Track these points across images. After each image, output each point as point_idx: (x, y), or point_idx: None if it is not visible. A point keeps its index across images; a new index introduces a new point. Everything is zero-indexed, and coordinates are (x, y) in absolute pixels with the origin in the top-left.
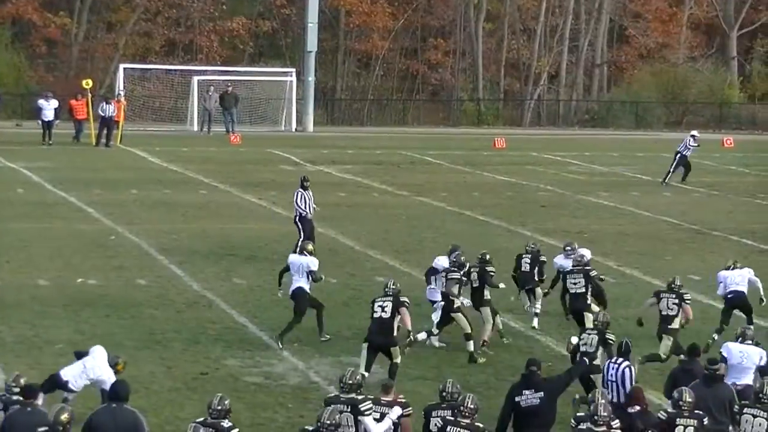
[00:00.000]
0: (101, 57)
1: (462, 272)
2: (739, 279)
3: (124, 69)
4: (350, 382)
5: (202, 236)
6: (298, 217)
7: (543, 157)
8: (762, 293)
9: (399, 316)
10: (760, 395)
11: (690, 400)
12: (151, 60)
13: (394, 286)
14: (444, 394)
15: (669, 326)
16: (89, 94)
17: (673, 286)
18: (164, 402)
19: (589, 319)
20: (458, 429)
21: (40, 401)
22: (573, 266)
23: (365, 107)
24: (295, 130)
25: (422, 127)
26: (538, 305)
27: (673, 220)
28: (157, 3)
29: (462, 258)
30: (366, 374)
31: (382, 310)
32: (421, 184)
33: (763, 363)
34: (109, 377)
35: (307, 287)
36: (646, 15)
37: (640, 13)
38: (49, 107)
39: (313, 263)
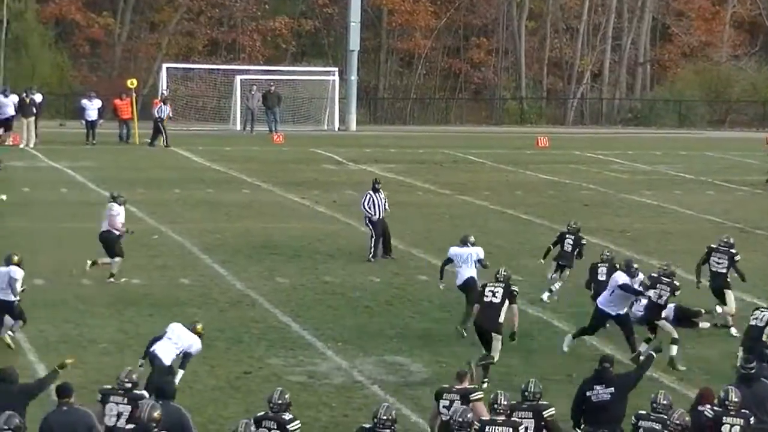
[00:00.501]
0: (144, 57)
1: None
2: None
3: (167, 69)
4: (384, 417)
5: (245, 235)
6: (368, 220)
7: (586, 155)
8: None
9: (508, 303)
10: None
11: (736, 399)
12: (194, 59)
13: (505, 272)
14: (526, 393)
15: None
16: (134, 94)
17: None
18: (207, 401)
19: (730, 297)
20: (496, 427)
21: (72, 399)
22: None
23: (408, 106)
24: (338, 129)
25: (465, 126)
26: (559, 284)
27: (716, 219)
28: (200, 2)
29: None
30: (493, 359)
31: (493, 295)
32: (463, 182)
33: None
34: (195, 340)
35: (476, 276)
36: (689, 13)
37: (683, 12)
38: (92, 107)
39: (480, 252)
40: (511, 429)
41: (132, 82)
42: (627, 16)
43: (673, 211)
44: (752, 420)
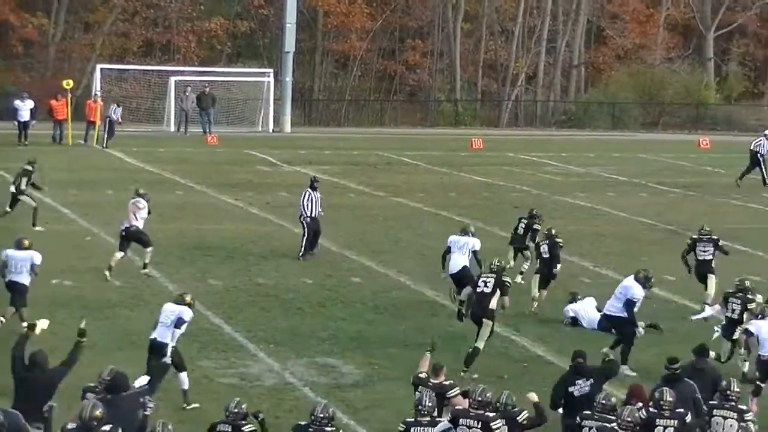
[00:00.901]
0: (78, 57)
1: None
2: None
3: (101, 69)
4: (321, 415)
5: (178, 237)
6: (302, 217)
7: (520, 157)
8: None
9: (499, 293)
10: (728, 392)
11: (671, 399)
12: (129, 60)
13: (498, 263)
14: (497, 405)
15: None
16: (69, 95)
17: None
18: None
19: (713, 282)
20: (420, 428)
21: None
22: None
23: (343, 108)
24: (273, 130)
25: (399, 128)
26: (526, 265)
27: (649, 221)
28: (135, 3)
29: None
30: (479, 349)
31: (485, 285)
32: (398, 184)
33: None
34: (183, 309)
35: (468, 264)
36: (624, 16)
37: (617, 14)
38: (24, 108)
39: (477, 243)
40: (432, 429)
41: (68, 83)
42: (562, 19)
43: (607, 213)
44: (688, 418)
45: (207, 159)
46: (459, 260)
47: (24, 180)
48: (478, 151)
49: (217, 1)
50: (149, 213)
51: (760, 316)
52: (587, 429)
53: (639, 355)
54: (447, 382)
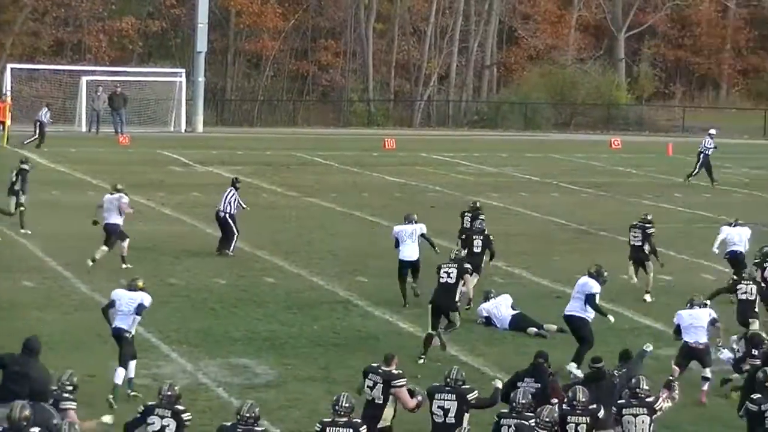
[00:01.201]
0: None
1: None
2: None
3: (11, 69)
4: (247, 415)
5: (89, 238)
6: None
7: (432, 157)
8: None
9: (463, 282)
10: (636, 390)
11: (583, 399)
12: (39, 60)
13: (457, 252)
14: (448, 380)
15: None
16: None
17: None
18: None
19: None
20: (336, 428)
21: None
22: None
23: (255, 108)
24: (185, 130)
25: (312, 128)
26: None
27: (560, 221)
28: (45, 2)
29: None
30: (432, 333)
31: (448, 276)
32: (310, 185)
33: (714, 316)
34: (142, 296)
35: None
36: (535, 17)
37: (529, 15)
38: None
39: (423, 227)
40: (351, 430)
41: None
42: (474, 19)
43: (519, 213)
44: (601, 413)
45: (119, 159)
46: (412, 249)
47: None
48: (391, 151)
49: (128, 0)
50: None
51: (689, 305)
52: (506, 428)
53: (556, 355)
54: (395, 371)
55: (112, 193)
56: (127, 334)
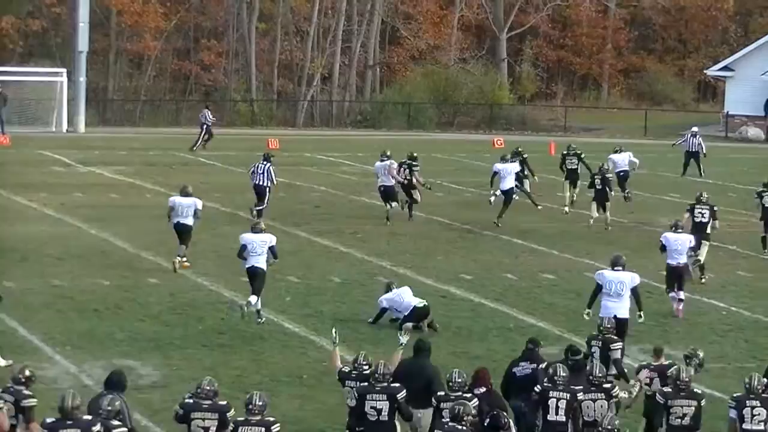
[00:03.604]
0: None
1: None
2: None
3: None
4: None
5: None
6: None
7: (317, 157)
8: None
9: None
10: (590, 377)
11: (564, 374)
12: None
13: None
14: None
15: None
16: None
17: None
18: None
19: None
20: (249, 427)
21: None
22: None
23: (138, 108)
24: (66, 131)
25: (196, 128)
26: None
27: (444, 220)
28: None
29: None
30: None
31: None
32: (195, 185)
33: (636, 283)
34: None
35: None
36: (418, 17)
37: (411, 15)
38: None
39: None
40: (263, 429)
41: None
42: (357, 19)
43: (403, 213)
44: (580, 395)
45: None
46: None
47: None
48: (275, 151)
49: None
50: None
51: (672, 229)
52: (444, 411)
53: (437, 352)
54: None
55: None
56: (261, 271)
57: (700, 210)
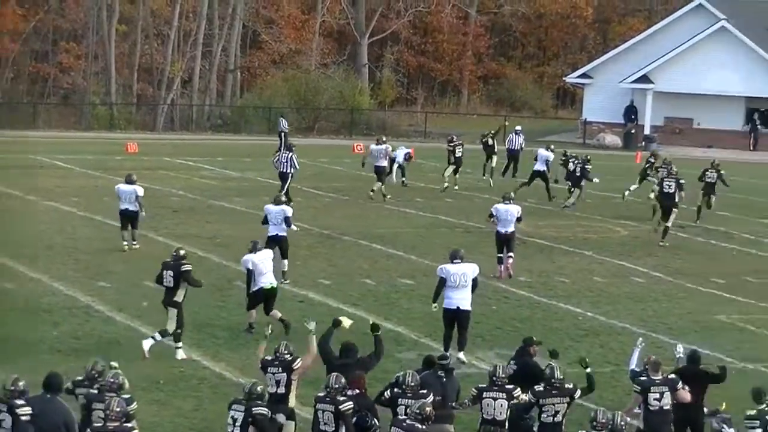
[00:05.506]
0: None
1: None
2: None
3: None
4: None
5: None
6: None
7: (176, 162)
8: None
9: None
10: (494, 378)
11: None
12: None
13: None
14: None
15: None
16: None
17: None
18: None
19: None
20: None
21: None
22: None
23: None
24: None
25: (53, 131)
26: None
27: (304, 225)
28: None
29: None
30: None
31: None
32: (51, 188)
33: (476, 273)
34: (285, 209)
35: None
36: (279, 21)
37: (273, 19)
38: None
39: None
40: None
41: None
42: (218, 23)
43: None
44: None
45: None
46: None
47: None
48: (133, 155)
49: None
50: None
51: (504, 200)
52: (403, 408)
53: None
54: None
55: None
56: (280, 237)
57: (668, 182)
